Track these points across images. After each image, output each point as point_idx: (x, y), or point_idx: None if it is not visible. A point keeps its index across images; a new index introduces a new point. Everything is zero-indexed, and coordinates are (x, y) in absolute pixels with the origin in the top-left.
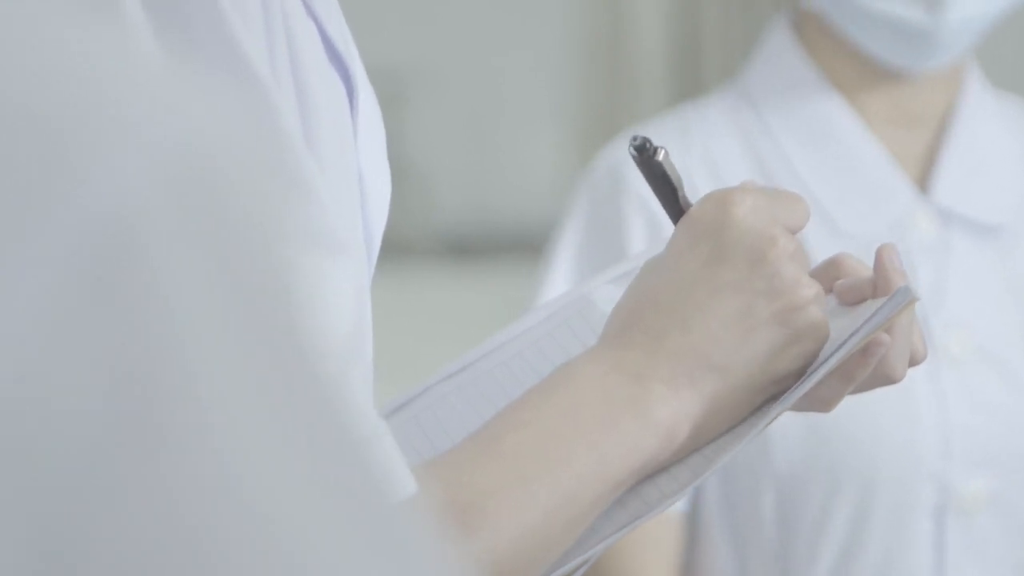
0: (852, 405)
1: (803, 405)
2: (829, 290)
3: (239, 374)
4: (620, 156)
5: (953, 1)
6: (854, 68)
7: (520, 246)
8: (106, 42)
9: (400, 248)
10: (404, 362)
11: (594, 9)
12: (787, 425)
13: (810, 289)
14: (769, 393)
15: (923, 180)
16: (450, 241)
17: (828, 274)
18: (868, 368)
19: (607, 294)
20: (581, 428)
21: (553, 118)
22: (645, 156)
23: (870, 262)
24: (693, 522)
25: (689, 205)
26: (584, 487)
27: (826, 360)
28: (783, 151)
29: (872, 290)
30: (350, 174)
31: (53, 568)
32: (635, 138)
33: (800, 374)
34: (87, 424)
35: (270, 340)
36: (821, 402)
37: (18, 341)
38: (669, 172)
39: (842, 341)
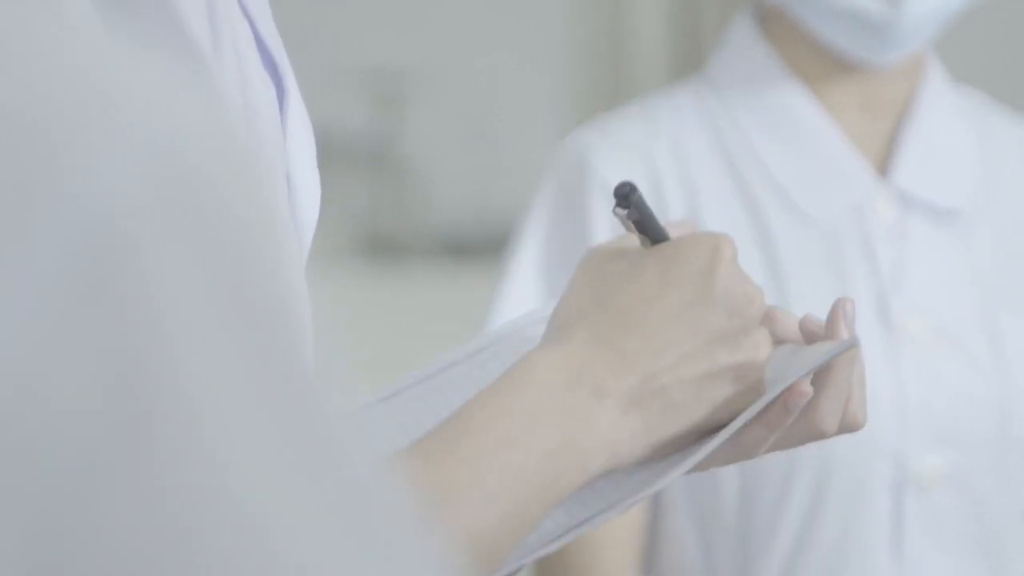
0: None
1: (728, 454)
2: None
3: (230, 373)
4: (587, 142)
5: None
6: (816, 58)
7: None
8: (76, 37)
9: (399, 248)
10: (403, 362)
11: (594, 9)
12: None
13: (765, 351)
14: (694, 438)
15: (883, 166)
16: (449, 241)
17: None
18: (789, 416)
19: (535, 331)
20: (538, 438)
21: (552, 118)
22: (634, 199)
23: (833, 247)
24: (656, 503)
25: (665, 231)
26: (536, 495)
27: (757, 401)
28: (748, 139)
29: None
30: (280, 176)
31: (48, 568)
32: (624, 184)
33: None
34: (80, 424)
35: (262, 338)
36: (744, 448)
37: (9, 343)
38: (645, 209)
39: (774, 383)
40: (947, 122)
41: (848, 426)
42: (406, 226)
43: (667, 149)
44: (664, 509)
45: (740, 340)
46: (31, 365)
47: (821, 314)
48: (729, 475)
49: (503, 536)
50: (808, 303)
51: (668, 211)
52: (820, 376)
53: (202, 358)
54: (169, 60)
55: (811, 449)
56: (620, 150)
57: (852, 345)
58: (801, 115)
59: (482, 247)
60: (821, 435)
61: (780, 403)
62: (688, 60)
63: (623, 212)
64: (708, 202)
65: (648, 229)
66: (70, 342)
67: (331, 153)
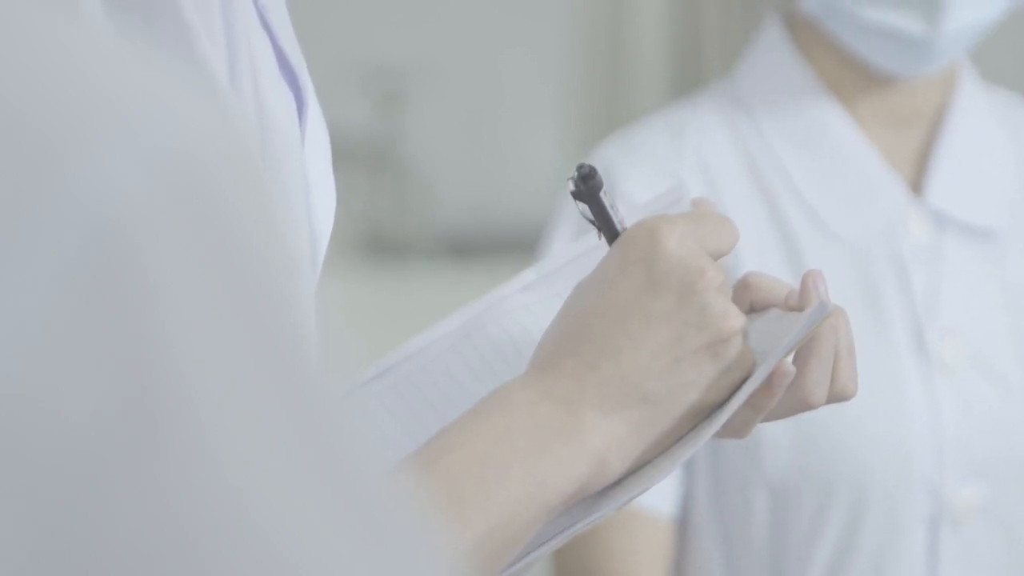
0: (845, 412)
1: (719, 433)
2: (746, 311)
3: (236, 375)
4: (610, 157)
5: (951, 12)
6: (846, 71)
7: (520, 246)
8: (85, 39)
9: (400, 248)
10: None
11: (594, 8)
12: (778, 432)
13: (737, 320)
14: (695, 421)
15: (916, 182)
16: (450, 241)
17: (742, 297)
18: (774, 397)
19: (520, 300)
20: (515, 452)
21: (553, 117)
22: (591, 184)
23: (865, 269)
24: (683, 527)
25: (623, 228)
26: (519, 510)
27: (745, 384)
28: (775, 153)
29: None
30: (298, 186)
31: (52, 569)
32: (581, 166)
33: (726, 402)
34: (84, 425)
35: (267, 342)
36: (733, 430)
37: (13, 344)
38: (606, 199)
39: (760, 364)
40: (981, 132)
41: (837, 396)
42: (407, 226)
43: (694, 165)
44: (692, 535)
45: (702, 316)
46: (37, 365)
47: (855, 342)
48: (761, 506)
49: (490, 549)
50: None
51: None
52: (804, 348)
53: (207, 361)
54: (178, 64)
55: (847, 480)
56: (645, 167)
57: (827, 313)
58: (831, 130)
59: (483, 247)
60: (809, 406)
61: (764, 384)
62: (688, 60)
63: (582, 206)
64: (736, 220)
65: (601, 225)
66: (75, 344)
67: (332, 152)
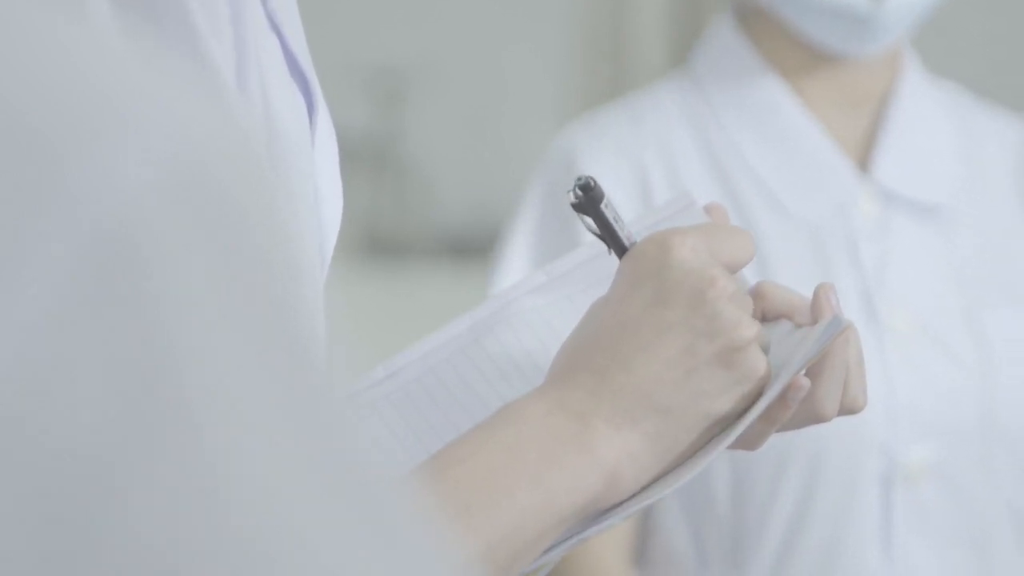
0: None
1: (731, 446)
2: (758, 320)
3: (239, 377)
4: (575, 142)
5: None
6: (795, 53)
7: None
8: (89, 39)
9: (400, 247)
10: None
11: (595, 8)
12: None
13: (750, 329)
14: (711, 433)
15: (864, 161)
16: (450, 240)
17: (755, 305)
18: (788, 411)
19: (529, 302)
20: (524, 463)
21: (554, 117)
22: (591, 195)
23: (818, 245)
24: None
25: (632, 241)
26: (528, 521)
27: (761, 398)
28: (731, 138)
29: (801, 312)
30: (306, 188)
31: (58, 568)
32: (580, 178)
33: (740, 413)
34: (87, 428)
35: (271, 342)
36: (746, 442)
37: (20, 345)
38: (608, 212)
39: (775, 377)
40: (926, 115)
41: (848, 408)
42: (407, 225)
43: (653, 149)
44: (654, 506)
45: (713, 324)
46: (42, 366)
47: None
48: (721, 468)
49: (499, 560)
50: None
51: None
52: (817, 361)
53: (212, 363)
54: (183, 64)
55: (803, 443)
56: (607, 150)
57: (842, 328)
58: (782, 112)
59: (483, 246)
60: (821, 419)
61: (779, 397)
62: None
63: (586, 219)
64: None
65: (606, 237)
66: (78, 346)
67: None
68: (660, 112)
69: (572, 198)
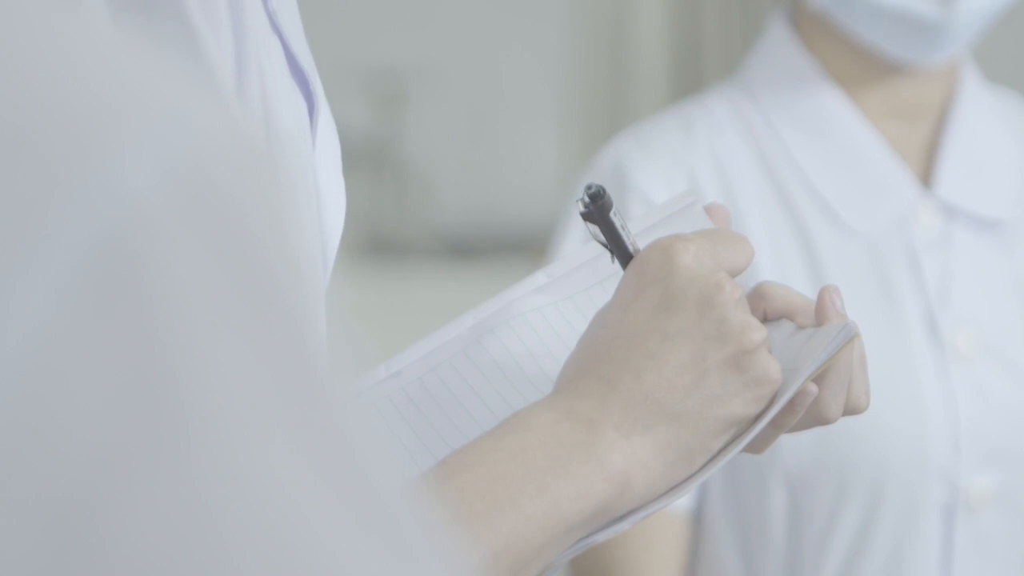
0: None
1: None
2: (760, 321)
3: (244, 380)
4: (624, 150)
5: None
6: (853, 62)
7: (520, 246)
8: (89, 43)
9: (400, 248)
10: None
11: (595, 8)
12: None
13: (759, 333)
14: (724, 439)
15: (925, 174)
16: (450, 241)
17: (756, 306)
18: (796, 416)
19: (531, 303)
20: (530, 471)
21: (554, 117)
22: (600, 204)
23: (878, 260)
24: (698, 521)
25: (637, 249)
26: (533, 529)
27: (771, 406)
28: (786, 146)
29: (803, 313)
30: (308, 190)
31: (59, 570)
32: (590, 186)
33: (755, 417)
34: (91, 431)
35: (275, 346)
36: (752, 447)
37: (24, 349)
38: (616, 220)
39: (788, 383)
40: (986, 126)
41: (851, 409)
42: (407, 226)
43: (706, 159)
44: (707, 528)
45: (723, 329)
46: (48, 369)
47: (868, 334)
48: (778, 498)
49: (505, 567)
50: (853, 317)
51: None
52: None
53: (216, 368)
54: (184, 66)
55: (863, 470)
56: (659, 161)
57: (852, 335)
58: (839, 122)
59: (483, 247)
60: (826, 421)
61: (787, 403)
62: (688, 59)
63: (592, 227)
64: (750, 214)
65: (613, 246)
66: (86, 346)
67: None
68: (711, 120)
69: (581, 207)
